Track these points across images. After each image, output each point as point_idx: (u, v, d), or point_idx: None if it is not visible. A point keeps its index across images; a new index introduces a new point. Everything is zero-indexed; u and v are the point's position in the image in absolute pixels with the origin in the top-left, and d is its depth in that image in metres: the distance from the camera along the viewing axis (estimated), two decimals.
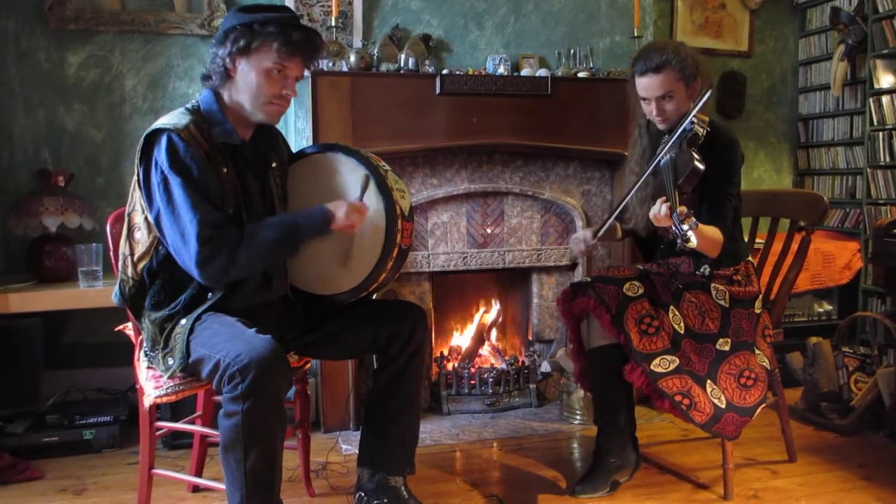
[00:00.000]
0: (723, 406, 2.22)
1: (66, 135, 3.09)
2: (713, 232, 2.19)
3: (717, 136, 2.28)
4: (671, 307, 2.32)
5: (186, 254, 1.78)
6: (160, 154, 1.79)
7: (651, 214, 2.11)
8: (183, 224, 1.77)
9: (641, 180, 2.30)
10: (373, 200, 1.97)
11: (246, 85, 1.89)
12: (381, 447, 2.15)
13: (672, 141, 2.22)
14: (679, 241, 1.95)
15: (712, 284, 2.36)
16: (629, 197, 2.33)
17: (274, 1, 3.07)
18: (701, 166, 2.19)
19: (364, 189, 1.97)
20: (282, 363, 1.73)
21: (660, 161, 2.25)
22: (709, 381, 2.24)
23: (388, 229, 1.96)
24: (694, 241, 1.93)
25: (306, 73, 2.01)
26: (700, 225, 2.05)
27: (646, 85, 2.30)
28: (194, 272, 1.80)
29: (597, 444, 2.43)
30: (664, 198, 2.09)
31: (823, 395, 3.08)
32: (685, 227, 1.93)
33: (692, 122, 2.22)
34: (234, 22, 1.88)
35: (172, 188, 1.78)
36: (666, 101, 2.29)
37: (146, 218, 1.86)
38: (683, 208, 2.00)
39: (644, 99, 2.34)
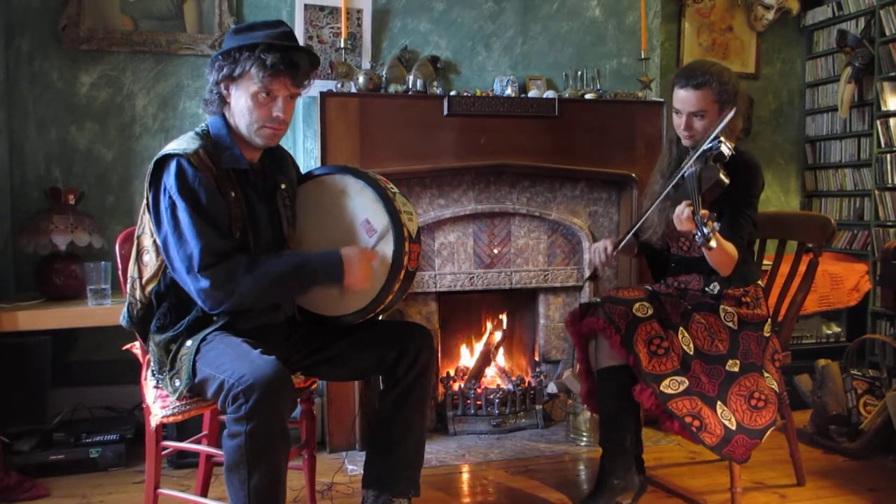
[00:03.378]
0: (733, 428, 2.20)
1: (77, 153, 3.12)
2: (730, 246, 2.21)
3: (742, 159, 2.32)
4: (680, 328, 2.31)
5: (191, 280, 1.80)
6: (169, 179, 1.81)
7: (674, 216, 2.14)
8: (188, 250, 1.79)
9: (665, 192, 2.32)
10: (379, 224, 1.98)
11: (239, 110, 1.91)
12: (386, 469, 2.14)
13: (697, 154, 2.25)
14: (700, 240, 1.97)
15: (721, 306, 2.35)
16: (652, 209, 2.35)
17: (270, 17, 3.14)
18: (726, 180, 2.20)
19: (370, 214, 1.99)
20: (286, 384, 1.73)
21: (684, 173, 2.27)
22: (719, 403, 2.23)
23: (396, 252, 1.96)
24: (714, 244, 1.97)
25: (305, 91, 2.00)
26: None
27: (682, 98, 2.34)
28: (198, 299, 1.81)
29: (601, 464, 2.42)
30: (688, 201, 2.11)
31: (832, 418, 3.05)
32: (706, 228, 1.96)
33: (720, 141, 2.24)
34: (226, 47, 1.89)
35: (179, 214, 1.80)
36: (697, 118, 2.33)
37: (155, 241, 1.87)
38: (706, 212, 2.03)
39: (677, 111, 2.38)
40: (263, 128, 1.91)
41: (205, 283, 1.78)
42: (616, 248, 2.44)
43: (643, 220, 2.38)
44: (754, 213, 2.35)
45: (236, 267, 1.81)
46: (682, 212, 2.10)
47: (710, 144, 2.24)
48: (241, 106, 1.89)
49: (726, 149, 2.23)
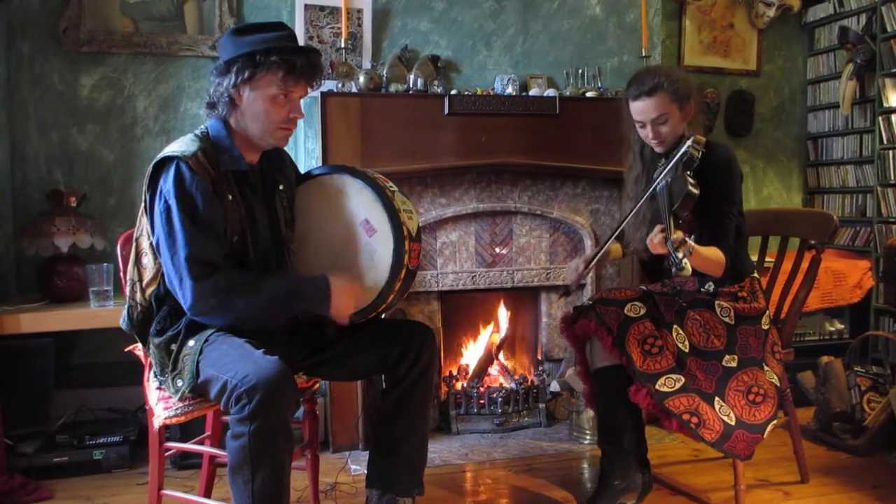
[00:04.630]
0: (732, 423, 2.19)
1: (78, 155, 3.13)
2: (714, 253, 2.18)
3: (713, 156, 2.29)
4: (675, 326, 2.31)
5: (179, 287, 1.80)
6: (167, 183, 1.81)
7: (647, 240, 2.12)
8: (179, 257, 1.78)
9: (636, 207, 2.31)
10: (378, 222, 1.98)
11: (254, 113, 1.90)
12: (389, 468, 2.14)
13: (669, 167, 2.23)
14: (674, 269, 1.96)
15: (716, 302, 2.35)
16: (623, 224, 2.35)
17: (271, 17, 3.14)
18: (695, 191, 2.18)
19: (368, 213, 1.99)
20: (289, 384, 1.73)
21: (656, 186, 2.25)
22: (717, 399, 2.22)
23: (396, 251, 1.96)
24: (688, 269, 1.95)
25: (311, 91, 2.02)
26: (699, 247, 2.08)
27: (640, 109, 2.32)
28: (185, 305, 1.81)
29: (600, 466, 2.40)
30: (661, 226, 2.09)
31: (836, 415, 3.05)
32: (679, 254, 1.94)
33: (687, 145, 2.22)
34: (234, 52, 1.86)
35: (173, 218, 1.79)
36: (661, 123, 2.31)
37: (153, 244, 1.87)
38: (679, 234, 2.01)
39: (639, 123, 2.36)
40: (279, 129, 1.92)
41: (188, 292, 1.78)
42: (587, 266, 2.43)
43: (613, 237, 2.37)
44: (738, 208, 2.34)
45: (227, 282, 1.81)
46: (654, 236, 2.08)
47: (681, 150, 2.22)
48: (258, 108, 1.89)
49: (695, 151, 2.22)
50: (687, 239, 2.00)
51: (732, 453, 2.22)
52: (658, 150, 2.38)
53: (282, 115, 1.91)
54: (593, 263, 2.43)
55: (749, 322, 2.35)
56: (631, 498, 2.40)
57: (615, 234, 2.36)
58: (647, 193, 2.28)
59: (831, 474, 2.75)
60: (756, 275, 2.46)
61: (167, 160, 1.83)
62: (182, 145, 1.86)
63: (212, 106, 1.94)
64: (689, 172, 2.20)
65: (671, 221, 2.11)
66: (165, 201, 1.80)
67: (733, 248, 2.30)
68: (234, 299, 1.81)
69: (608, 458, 2.38)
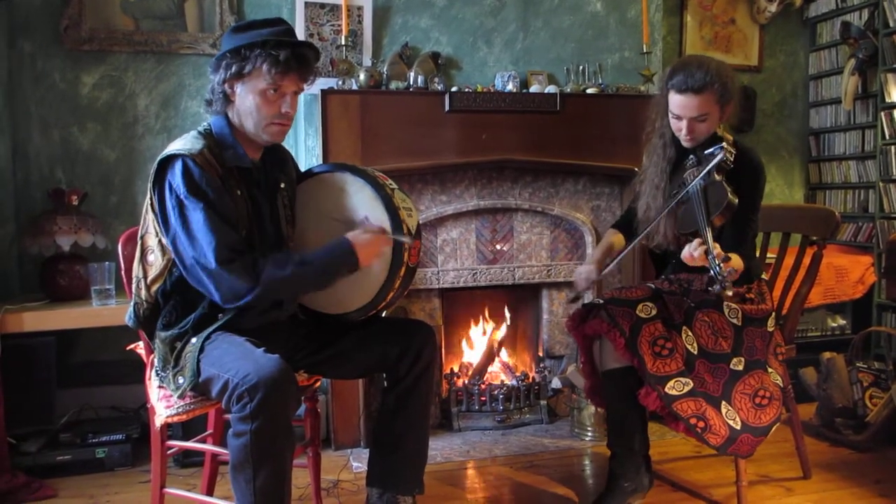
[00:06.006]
0: (738, 427, 2.19)
1: (80, 154, 3.13)
2: (738, 262, 2.09)
3: (744, 160, 2.25)
4: (684, 327, 2.29)
5: (207, 278, 1.78)
6: (175, 179, 1.80)
7: (683, 256, 2.07)
8: (201, 248, 1.77)
9: (666, 209, 2.26)
10: (378, 220, 1.98)
11: (246, 108, 1.90)
12: (389, 467, 2.14)
13: (704, 171, 2.17)
14: (717, 286, 1.93)
15: (724, 303, 2.34)
16: (652, 225, 2.29)
17: (272, 14, 3.14)
18: (735, 200, 2.13)
19: (368, 211, 1.99)
20: (290, 382, 1.73)
21: (689, 189, 2.20)
22: (723, 403, 2.21)
23: (396, 248, 1.97)
24: (730, 292, 1.93)
25: (309, 86, 2.01)
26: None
27: (683, 103, 2.22)
28: (215, 295, 1.80)
29: (610, 467, 2.39)
30: (700, 240, 2.03)
31: (838, 411, 3.05)
32: (724, 273, 1.91)
33: (721, 147, 2.18)
34: (226, 46, 1.89)
35: (189, 212, 1.79)
36: (700, 122, 2.24)
37: (160, 241, 1.87)
38: (719, 250, 1.97)
39: (675, 116, 2.27)
40: (271, 125, 1.92)
41: (223, 278, 1.77)
42: (600, 273, 2.37)
43: (635, 243, 2.33)
44: (757, 216, 2.32)
45: (252, 261, 1.80)
46: (693, 250, 2.02)
47: (713, 152, 2.19)
48: (249, 104, 1.89)
49: (729, 154, 2.19)
50: (730, 256, 1.96)
51: (735, 454, 2.22)
52: (687, 145, 2.31)
53: (273, 110, 1.90)
54: (607, 270, 2.38)
55: (756, 324, 2.33)
56: (637, 499, 2.39)
57: (636, 242, 2.33)
58: (680, 196, 2.22)
59: (833, 470, 2.75)
60: (764, 277, 2.46)
61: (173, 157, 1.82)
62: (187, 143, 1.86)
63: (209, 103, 1.95)
64: (723, 177, 2.15)
65: (709, 233, 2.04)
66: (177, 197, 1.80)
67: (750, 253, 2.29)
68: (269, 277, 1.79)
69: (618, 460, 2.37)
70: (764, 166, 2.32)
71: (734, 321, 2.31)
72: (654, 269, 2.65)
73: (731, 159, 2.21)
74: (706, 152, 2.24)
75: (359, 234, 1.93)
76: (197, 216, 1.78)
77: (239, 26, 1.93)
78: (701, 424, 2.16)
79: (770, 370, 2.31)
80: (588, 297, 2.96)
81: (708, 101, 2.21)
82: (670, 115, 2.29)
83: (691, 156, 2.33)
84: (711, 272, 1.95)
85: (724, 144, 2.20)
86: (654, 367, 2.20)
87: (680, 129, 2.28)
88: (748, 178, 2.25)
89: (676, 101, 2.24)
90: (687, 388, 2.19)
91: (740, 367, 2.27)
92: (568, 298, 2.54)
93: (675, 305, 2.33)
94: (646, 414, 2.40)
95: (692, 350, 2.26)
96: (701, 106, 2.21)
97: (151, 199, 1.86)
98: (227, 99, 1.92)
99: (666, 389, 2.18)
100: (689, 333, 2.28)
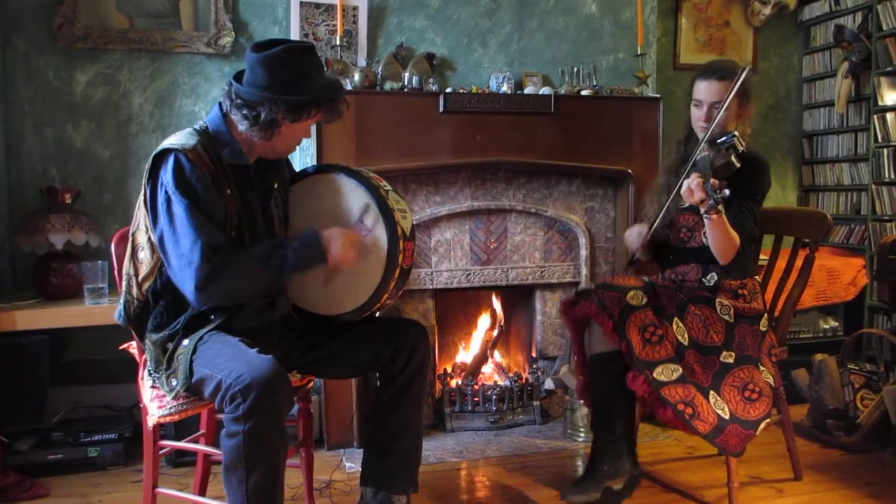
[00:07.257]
0: (726, 417, 2.21)
1: (73, 152, 3.12)
2: (733, 232, 2.26)
3: (752, 156, 2.39)
4: (675, 319, 2.32)
5: (187, 275, 1.78)
6: (166, 174, 1.80)
7: (683, 189, 2.21)
8: (183, 246, 1.77)
9: (682, 181, 2.31)
10: (373, 222, 1.98)
11: (290, 136, 1.96)
12: (383, 466, 2.14)
13: (714, 145, 2.34)
14: (710, 205, 2.12)
15: (717, 299, 2.36)
16: (673, 195, 2.36)
17: (267, 14, 3.15)
18: (737, 163, 2.28)
19: (363, 213, 1.99)
20: (283, 383, 1.74)
21: (696, 159, 2.34)
22: (712, 392, 2.24)
23: (390, 250, 1.97)
24: (721, 209, 2.12)
25: None
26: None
27: (705, 88, 2.40)
28: (191, 295, 1.79)
29: (592, 450, 2.43)
30: (698, 173, 2.21)
31: (829, 413, 3.06)
32: (717, 195, 2.09)
33: (733, 135, 2.32)
34: (284, 88, 1.85)
35: (175, 208, 1.79)
36: (717, 109, 2.36)
37: (150, 238, 1.87)
38: (716, 181, 2.13)
39: (696, 103, 2.42)
40: (295, 148, 2.05)
41: (201, 278, 1.76)
42: (650, 230, 2.47)
43: (669, 202, 2.39)
44: (758, 209, 2.40)
45: (228, 261, 1.80)
46: (691, 181, 2.17)
47: (724, 138, 2.31)
48: (295, 135, 1.97)
49: (738, 142, 2.31)
50: (725, 183, 2.14)
51: (724, 448, 2.23)
52: (701, 134, 2.42)
53: (305, 136, 2.01)
54: (655, 226, 2.46)
55: (747, 321, 2.36)
56: (617, 483, 2.38)
57: (667, 205, 2.40)
58: (689, 166, 2.34)
59: (825, 471, 2.76)
60: (759, 278, 2.48)
61: (166, 152, 1.83)
62: (181, 138, 1.87)
63: (258, 124, 1.87)
64: (733, 156, 2.30)
65: (710, 173, 2.21)
66: (166, 192, 1.80)
67: (746, 239, 2.34)
68: (234, 275, 1.80)
69: (600, 444, 2.40)
70: (769, 167, 2.44)
71: (726, 317, 2.35)
72: (649, 272, 2.67)
73: (741, 147, 2.32)
74: (718, 141, 2.35)
75: (330, 230, 1.93)
76: (182, 213, 1.78)
77: (281, 58, 1.85)
78: (689, 411, 2.18)
79: (762, 369, 2.33)
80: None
81: (727, 89, 2.33)
82: (692, 106, 2.45)
83: (704, 146, 2.40)
84: (706, 197, 2.13)
85: (736, 133, 2.33)
86: (642, 352, 2.23)
87: (699, 116, 2.43)
88: (751, 170, 2.37)
89: (699, 87, 2.42)
90: (676, 375, 2.22)
91: (731, 360, 2.30)
92: (627, 261, 2.63)
93: (667, 298, 2.36)
94: (633, 400, 2.41)
95: (683, 340, 2.29)
96: (720, 92, 2.37)
97: (144, 194, 1.86)
98: (272, 126, 1.88)
99: (654, 375, 2.21)
100: (681, 325, 2.31)
